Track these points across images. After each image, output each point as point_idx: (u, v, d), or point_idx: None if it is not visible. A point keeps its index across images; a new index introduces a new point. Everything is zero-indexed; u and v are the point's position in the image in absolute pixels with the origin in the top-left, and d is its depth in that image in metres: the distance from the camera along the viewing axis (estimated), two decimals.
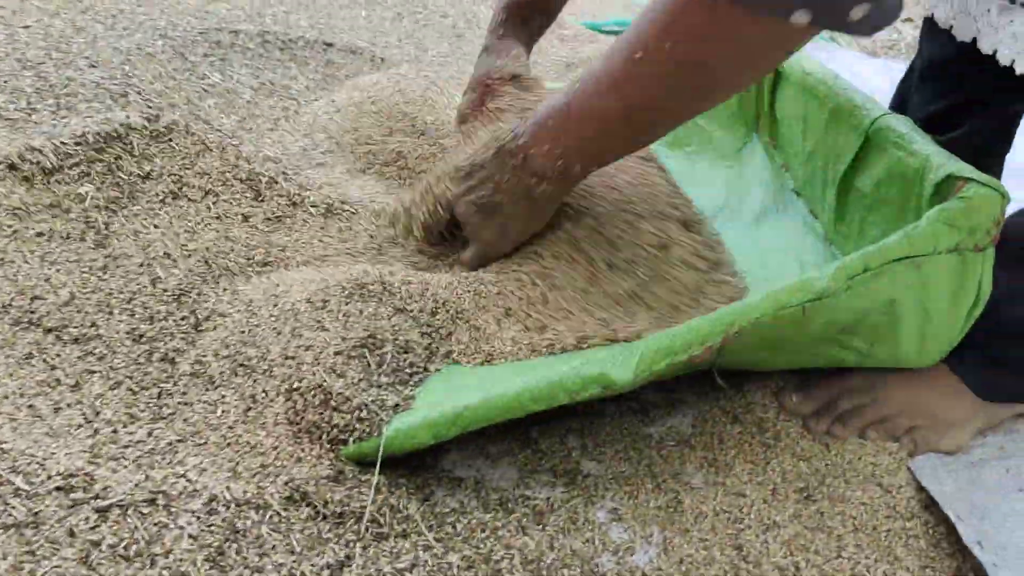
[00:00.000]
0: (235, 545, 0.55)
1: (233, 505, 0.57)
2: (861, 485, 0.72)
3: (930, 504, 0.71)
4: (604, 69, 0.72)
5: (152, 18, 1.16)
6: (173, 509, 0.56)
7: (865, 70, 1.78)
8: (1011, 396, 0.79)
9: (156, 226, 0.84)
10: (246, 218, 0.89)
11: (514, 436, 0.74)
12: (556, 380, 0.64)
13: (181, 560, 0.53)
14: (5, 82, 0.94)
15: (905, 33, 1.86)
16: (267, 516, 0.58)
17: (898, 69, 1.09)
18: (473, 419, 0.63)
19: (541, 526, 0.66)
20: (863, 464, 0.74)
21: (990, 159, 0.98)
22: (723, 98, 0.74)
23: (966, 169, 0.70)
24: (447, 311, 0.77)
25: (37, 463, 0.56)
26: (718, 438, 0.76)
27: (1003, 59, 0.77)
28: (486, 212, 0.80)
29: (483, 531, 0.63)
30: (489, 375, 0.71)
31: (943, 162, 0.73)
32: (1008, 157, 0.97)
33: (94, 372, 0.68)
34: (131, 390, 0.68)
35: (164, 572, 0.52)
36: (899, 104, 1.02)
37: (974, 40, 0.81)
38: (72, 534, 0.52)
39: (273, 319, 0.74)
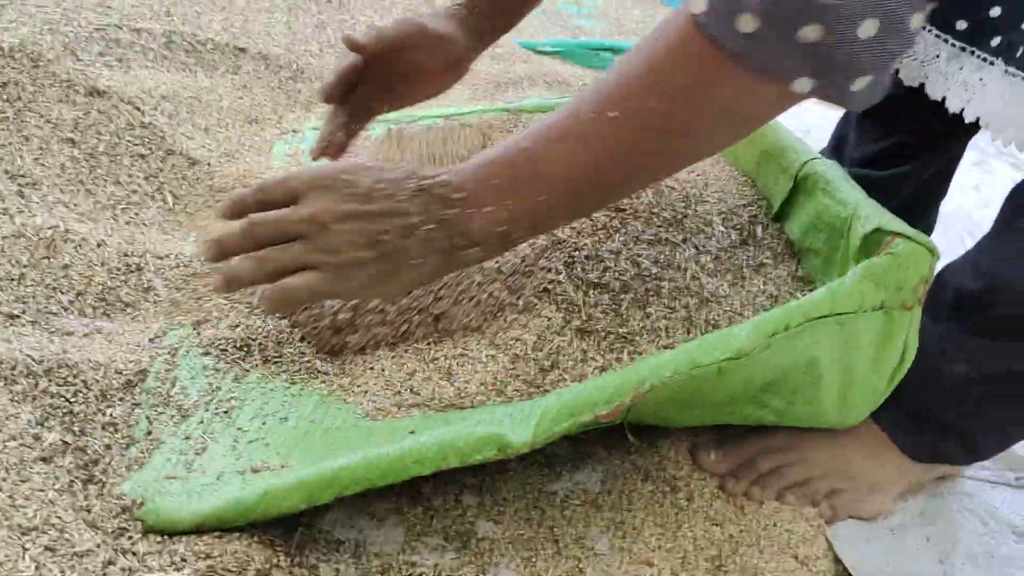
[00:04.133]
0: None
1: None
2: (775, 556, 0.67)
3: None
4: (568, 123, 0.61)
5: (45, 9, 1.07)
6: None
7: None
8: (938, 456, 0.76)
9: None
10: None
11: (404, 493, 0.68)
12: (447, 440, 0.57)
13: None
14: None
15: None
16: None
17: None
18: (350, 482, 0.57)
19: None
20: (778, 532, 0.69)
21: (927, 202, 0.96)
22: (702, 158, 0.66)
23: (895, 223, 0.66)
24: None
25: None
26: (627, 498, 0.71)
27: (952, 106, 0.73)
28: (378, 252, 0.62)
29: None
30: (375, 431, 0.64)
31: (871, 213, 0.69)
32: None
33: None
34: None
35: None
36: (837, 143, 0.99)
37: (921, 85, 0.78)
38: None
39: None
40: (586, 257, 0.73)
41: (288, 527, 0.62)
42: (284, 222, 0.60)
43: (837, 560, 0.68)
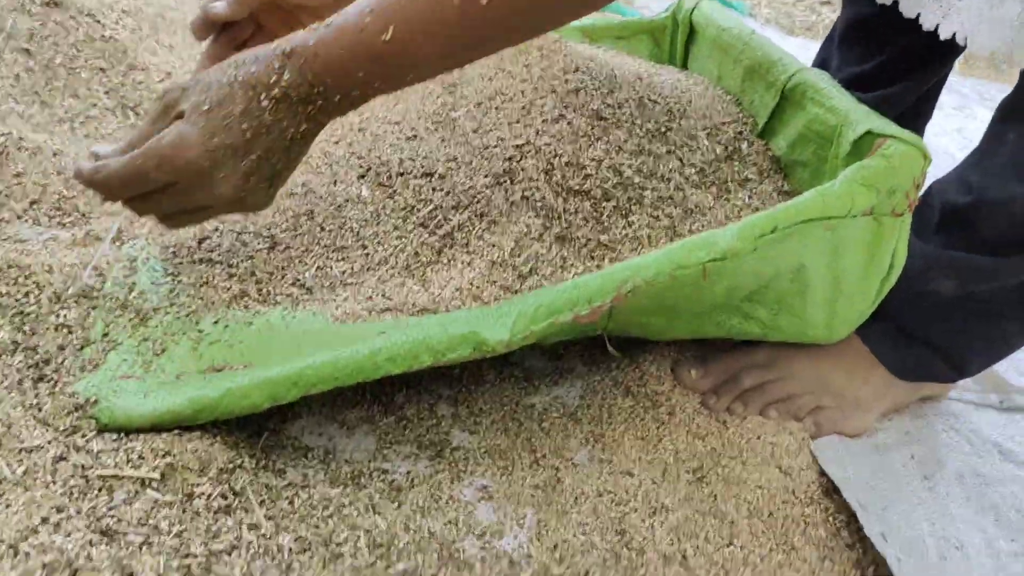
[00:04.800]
0: None
1: None
2: (759, 467, 0.65)
3: (831, 490, 0.65)
4: None
5: None
6: None
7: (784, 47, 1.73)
8: (924, 374, 0.74)
9: None
10: None
11: (375, 402, 0.65)
12: (420, 338, 0.55)
13: None
14: None
15: (824, 15, 1.83)
16: None
17: (815, 49, 1.04)
18: (317, 380, 0.54)
19: (397, 504, 0.57)
20: (762, 444, 0.67)
21: (913, 124, 0.93)
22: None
23: (887, 126, 0.64)
24: None
25: None
26: (607, 412, 0.68)
27: (927, 23, 0.71)
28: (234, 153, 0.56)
29: (326, 509, 0.54)
30: (345, 333, 0.61)
31: (862, 118, 0.66)
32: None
33: None
34: None
35: None
36: (820, 66, 0.96)
37: (895, 3, 0.75)
38: None
39: None
40: (566, 164, 0.70)
41: (254, 433, 0.60)
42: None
43: (822, 473, 0.66)
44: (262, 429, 0.60)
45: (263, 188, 0.59)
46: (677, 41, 1.04)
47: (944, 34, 0.69)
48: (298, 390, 0.54)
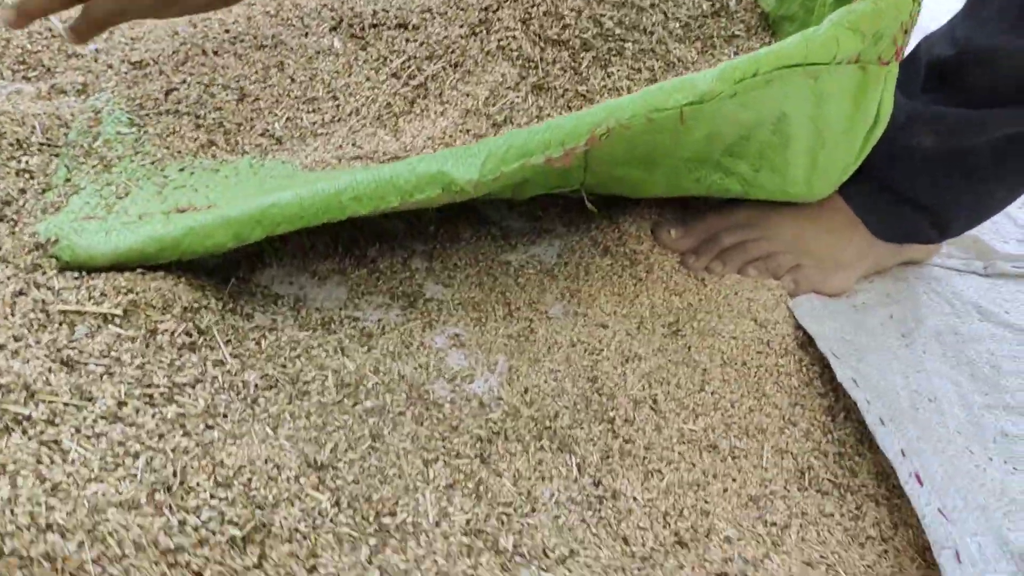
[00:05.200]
0: None
1: None
2: (734, 319, 0.65)
3: (806, 343, 0.65)
4: None
5: None
6: None
7: None
8: (906, 234, 0.73)
9: None
10: None
11: (347, 254, 0.64)
12: (386, 177, 0.53)
13: None
14: None
15: None
16: None
17: None
18: (282, 219, 0.53)
19: (367, 348, 0.56)
20: (739, 300, 0.67)
21: None
22: None
23: None
24: None
25: None
26: (584, 269, 0.68)
27: None
28: None
29: (294, 350, 0.54)
30: (315, 178, 0.60)
31: None
32: None
33: None
34: None
35: None
36: None
37: None
38: None
39: None
40: (544, 13, 0.67)
41: (221, 280, 0.59)
42: None
43: (797, 327, 0.65)
44: (230, 277, 0.59)
45: None
46: None
47: None
48: (263, 229, 0.53)
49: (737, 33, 0.74)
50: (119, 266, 0.52)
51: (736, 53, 0.72)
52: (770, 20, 0.76)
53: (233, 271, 0.60)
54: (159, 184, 0.59)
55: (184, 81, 0.69)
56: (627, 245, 0.70)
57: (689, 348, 0.62)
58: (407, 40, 0.69)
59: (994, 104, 0.65)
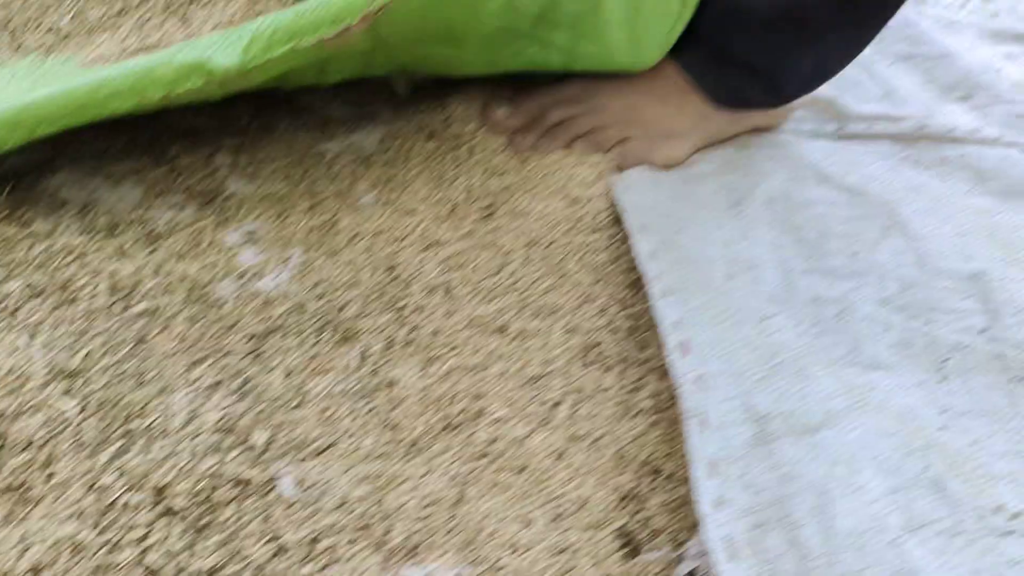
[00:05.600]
0: None
1: None
2: (547, 198, 0.63)
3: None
4: None
5: None
6: None
7: None
8: (741, 99, 0.71)
9: None
10: None
11: (148, 154, 0.62)
12: (143, 69, 0.51)
13: None
14: None
15: None
16: None
17: None
18: (40, 120, 0.51)
19: (151, 250, 0.55)
20: (557, 178, 0.65)
21: None
22: None
23: None
24: None
25: None
26: (405, 155, 0.66)
27: None
28: None
29: (67, 256, 0.53)
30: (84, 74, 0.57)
31: None
32: None
33: None
34: None
35: None
36: None
37: None
38: None
39: None
40: None
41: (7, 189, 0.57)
42: None
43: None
44: (16, 184, 0.58)
45: None
46: None
47: None
48: (23, 131, 0.51)
49: None
50: None
51: None
52: None
53: (20, 178, 0.59)
54: None
55: None
56: (453, 127, 0.68)
57: (497, 230, 0.61)
58: None
59: None
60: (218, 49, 0.52)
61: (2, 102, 0.54)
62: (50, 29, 0.62)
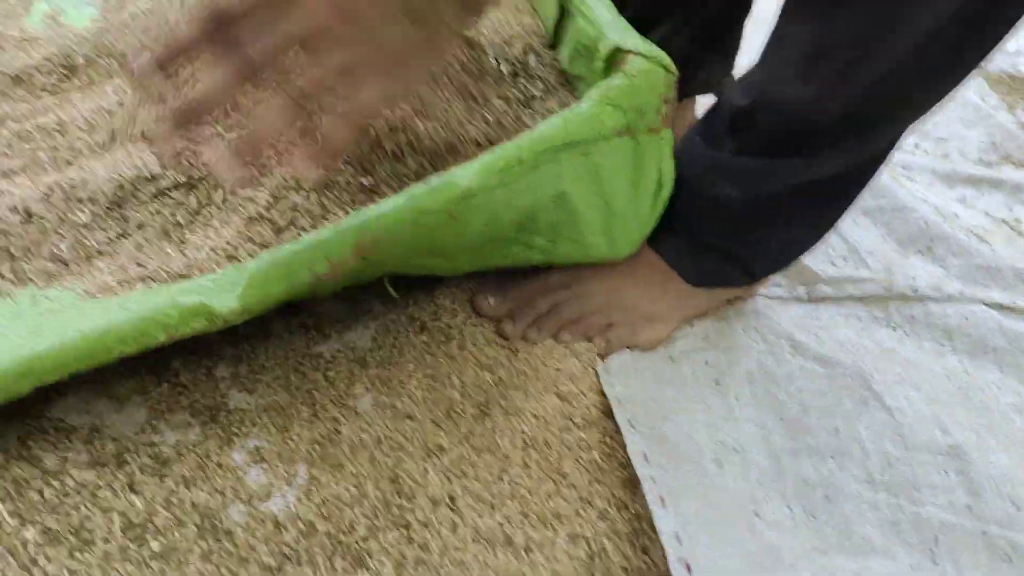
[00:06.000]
0: None
1: None
2: (539, 396, 0.66)
3: (611, 410, 0.66)
4: None
5: None
6: None
7: None
8: (719, 280, 0.75)
9: None
10: None
11: (149, 370, 0.64)
12: (148, 314, 0.53)
13: None
14: None
15: None
16: None
17: None
18: (50, 368, 0.52)
19: (160, 478, 0.57)
20: (547, 371, 0.68)
21: (732, 17, 0.90)
22: None
23: (632, 40, 0.62)
24: None
25: None
26: (398, 351, 0.68)
27: None
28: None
29: (80, 494, 0.54)
30: (92, 310, 0.59)
31: (612, 31, 0.64)
32: None
33: None
34: None
35: None
36: None
37: None
38: None
39: None
40: None
41: (14, 417, 0.58)
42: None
43: (603, 393, 0.67)
44: (24, 414, 0.59)
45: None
46: None
47: None
48: (30, 381, 0.53)
49: (535, 94, 0.75)
50: None
51: (534, 115, 0.73)
52: (568, 77, 0.77)
53: (29, 407, 0.60)
54: None
55: None
56: (442, 319, 0.71)
57: (494, 431, 0.63)
58: None
59: (789, 152, 0.67)
60: (217, 291, 0.54)
61: (8, 350, 0.55)
62: (50, 257, 0.64)
